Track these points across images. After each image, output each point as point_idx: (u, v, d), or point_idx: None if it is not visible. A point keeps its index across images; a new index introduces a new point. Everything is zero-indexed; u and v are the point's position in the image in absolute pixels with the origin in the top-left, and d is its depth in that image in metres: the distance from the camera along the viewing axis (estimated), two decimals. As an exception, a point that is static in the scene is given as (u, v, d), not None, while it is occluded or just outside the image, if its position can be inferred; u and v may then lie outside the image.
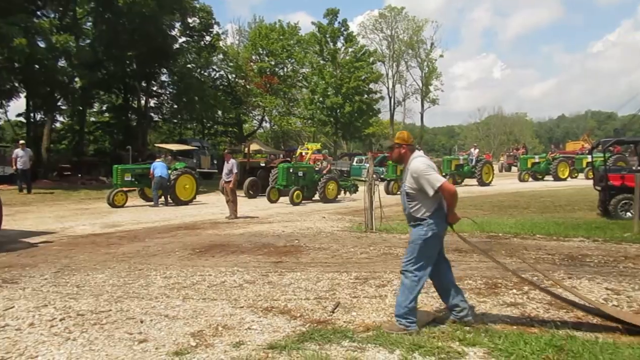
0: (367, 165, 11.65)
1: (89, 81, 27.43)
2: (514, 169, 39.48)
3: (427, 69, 62.05)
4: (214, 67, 44.26)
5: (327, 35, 46.85)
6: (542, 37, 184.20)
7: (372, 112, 48.81)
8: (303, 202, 17.50)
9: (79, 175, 27.31)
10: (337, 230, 10.57)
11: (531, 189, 22.44)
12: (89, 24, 30.61)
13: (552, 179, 28.40)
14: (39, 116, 30.97)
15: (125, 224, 12.25)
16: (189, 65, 36.65)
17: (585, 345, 3.63)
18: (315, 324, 4.40)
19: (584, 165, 29.27)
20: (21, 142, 21.43)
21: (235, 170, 12.98)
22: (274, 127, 53.76)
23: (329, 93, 45.17)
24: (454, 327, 4.20)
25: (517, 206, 15.28)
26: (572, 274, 6.10)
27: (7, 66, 22.24)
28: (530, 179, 28.85)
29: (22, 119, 34.36)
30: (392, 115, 62.62)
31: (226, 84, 45.98)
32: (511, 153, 45.61)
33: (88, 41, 28.60)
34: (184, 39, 36.73)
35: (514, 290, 5.44)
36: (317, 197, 18.22)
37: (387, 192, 20.72)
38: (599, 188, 12.25)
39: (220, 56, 44.42)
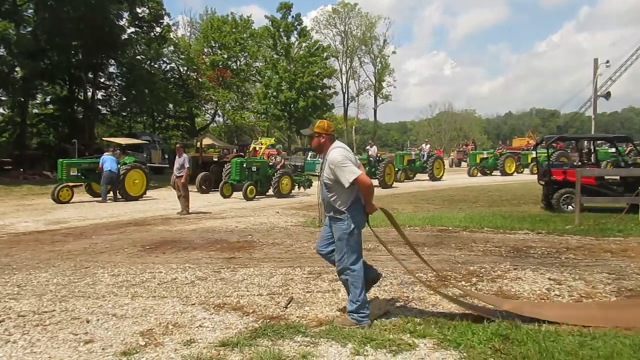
0: (321, 160, 11.66)
1: (30, 71, 26.24)
2: (463, 164, 40.53)
3: (380, 65, 62.81)
4: (165, 59, 43.29)
5: (281, 30, 46.68)
6: (490, 36, 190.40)
7: (326, 107, 49.07)
8: (257, 197, 17.39)
9: (21, 169, 26.05)
10: (290, 225, 10.55)
11: (480, 184, 23.14)
12: (30, 11, 29.18)
13: (500, 174, 29.39)
14: (-24, 107, 29.45)
15: (71, 221, 11.82)
16: (138, 57, 35.63)
17: (529, 334, 3.76)
18: (268, 320, 4.38)
19: (529, 160, 30.37)
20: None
21: (187, 165, 12.73)
22: (227, 122, 53.13)
23: (282, 88, 45.04)
24: (405, 319, 4.26)
25: (466, 200, 15.71)
26: (517, 265, 6.32)
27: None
28: (479, 174, 29.75)
29: (-43, 110, 32.60)
30: (345, 111, 63.12)
31: (177, 76, 45.06)
32: (461, 149, 46.85)
33: (29, 29, 27.31)
34: (132, 29, 35.74)
35: (463, 282, 5.58)
36: (271, 192, 18.12)
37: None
38: (542, 183, 12.73)
39: (171, 48, 43.47)
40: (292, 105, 45.28)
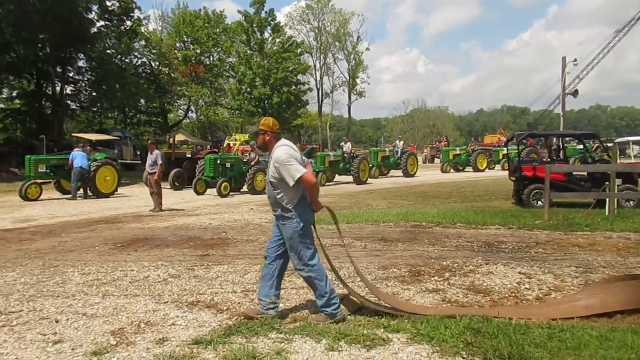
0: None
1: (-5, 65, 25.49)
2: (437, 160, 41.00)
3: (354, 61, 62.87)
4: (136, 54, 42.61)
5: (254, 25, 46.32)
6: (462, 34, 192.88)
7: (301, 103, 48.93)
8: (231, 194, 17.27)
9: (-13, 167, 25.40)
10: (265, 222, 10.51)
11: (453, 180, 23.44)
12: (-5, 3, 28.32)
13: (472, 170, 29.81)
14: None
15: (40, 219, 11.55)
16: (108, 51, 35.00)
17: (500, 328, 3.83)
18: (243, 317, 4.35)
19: (501, 157, 30.89)
20: None
21: (160, 162, 12.56)
22: (200, 118, 52.59)
23: (256, 84, 44.74)
24: (379, 315, 4.29)
25: (439, 196, 15.89)
26: (489, 260, 6.43)
27: None
28: (452, 170, 30.13)
29: None
30: (320, 107, 63.04)
31: (149, 72, 44.37)
32: (434, 145, 47.41)
33: (-6, 21, 26.48)
34: (102, 23, 35.03)
35: (436, 277, 5.65)
36: (245, 188, 18.03)
37: (316, 183, 20.83)
38: (513, 179, 12.96)
39: (143, 43, 42.78)
40: (266, 102, 45.01)
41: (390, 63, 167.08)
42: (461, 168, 30.73)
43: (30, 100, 34.57)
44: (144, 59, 44.20)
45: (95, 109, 39.52)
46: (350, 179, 22.58)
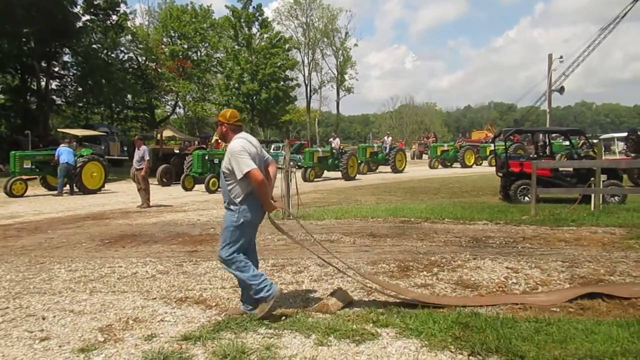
0: (284, 152, 11.64)
1: (-22, 59, 25.10)
2: (425, 156, 41.20)
3: (342, 57, 62.97)
4: (122, 48, 42.18)
5: (242, 20, 46.07)
6: (449, 31, 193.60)
7: (289, 99, 48.84)
8: (219, 189, 17.19)
9: (-29, 163, 25.00)
10: (253, 217, 10.47)
11: (441, 176, 23.57)
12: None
13: (460, 166, 30.05)
14: None
15: (25, 215, 11.43)
16: (94, 46, 34.60)
17: (487, 321, 3.87)
18: (232, 313, 4.34)
19: (488, 153, 31.15)
20: None
21: (147, 157, 12.47)
22: (188, 113, 52.25)
23: (244, 79, 44.53)
24: (368, 309, 4.31)
25: (427, 192, 15.97)
26: (476, 254, 6.48)
27: None
28: (440, 166, 30.33)
29: None
30: (308, 103, 63.03)
31: (136, 66, 43.99)
32: (422, 141, 47.61)
33: (-23, 15, 26.04)
34: (87, 17, 34.59)
35: (425, 272, 5.68)
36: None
37: (305, 179, 20.86)
38: (500, 174, 13.06)
39: (129, 37, 42.35)
40: (254, 97, 44.86)
41: (378, 59, 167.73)
42: (449, 164, 30.93)
43: (14, 95, 34.09)
44: (131, 54, 43.85)
45: (81, 104, 39.11)
46: (338, 174, 22.60)
